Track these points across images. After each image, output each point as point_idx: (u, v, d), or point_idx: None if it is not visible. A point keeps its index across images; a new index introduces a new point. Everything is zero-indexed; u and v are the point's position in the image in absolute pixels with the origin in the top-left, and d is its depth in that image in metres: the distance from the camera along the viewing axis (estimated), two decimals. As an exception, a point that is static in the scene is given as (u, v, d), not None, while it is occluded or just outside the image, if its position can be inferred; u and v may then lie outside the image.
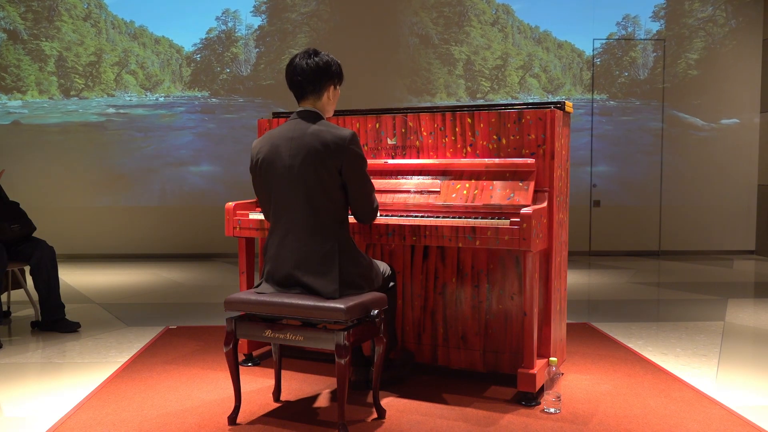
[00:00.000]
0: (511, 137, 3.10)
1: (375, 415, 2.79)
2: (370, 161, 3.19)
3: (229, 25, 8.21)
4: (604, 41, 8.24)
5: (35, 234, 4.42)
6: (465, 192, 3.08)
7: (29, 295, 4.45)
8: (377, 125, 3.39)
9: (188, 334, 4.20)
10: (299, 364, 3.52)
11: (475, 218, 2.94)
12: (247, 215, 3.36)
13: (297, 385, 3.22)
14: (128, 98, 8.04)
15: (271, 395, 3.01)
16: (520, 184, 3.01)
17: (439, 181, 3.17)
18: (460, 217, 2.98)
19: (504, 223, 2.83)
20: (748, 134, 8.16)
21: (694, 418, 2.79)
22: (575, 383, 3.24)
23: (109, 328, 4.43)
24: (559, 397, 2.85)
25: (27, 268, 4.43)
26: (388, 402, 2.95)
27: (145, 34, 8.12)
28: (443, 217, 3.00)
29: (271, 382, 3.08)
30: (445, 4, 8.29)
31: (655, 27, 8.28)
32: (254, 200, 3.52)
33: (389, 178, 3.26)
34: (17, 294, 4.79)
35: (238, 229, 3.35)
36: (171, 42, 8.17)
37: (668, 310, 5.07)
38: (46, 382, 3.31)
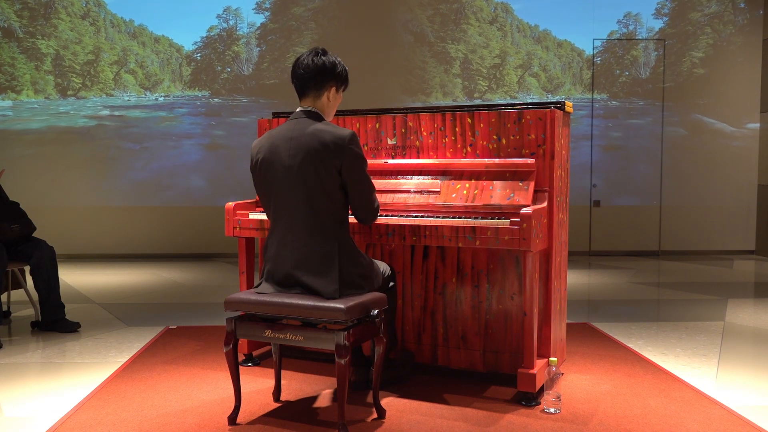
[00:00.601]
0: (511, 137, 3.10)
1: (375, 415, 2.79)
2: (370, 161, 3.19)
3: (231, 23, 8.14)
4: (604, 40, 8.21)
5: (35, 234, 4.42)
6: (465, 192, 3.08)
7: (29, 295, 4.45)
8: (377, 125, 3.39)
9: (188, 334, 4.20)
10: (299, 364, 3.52)
11: (475, 218, 2.94)
12: (247, 215, 3.36)
13: (297, 385, 3.22)
14: (127, 98, 7.99)
15: (271, 395, 3.01)
16: (520, 184, 3.01)
17: (439, 181, 3.17)
18: (460, 217, 2.98)
19: (504, 223, 2.83)
20: (748, 134, 8.16)
21: (694, 418, 2.79)
22: (575, 383, 3.24)
23: (109, 328, 4.43)
24: (559, 397, 2.85)
25: (27, 268, 4.43)
26: (388, 402, 2.95)
27: (145, 33, 8.06)
28: (443, 217, 2.99)
29: (271, 382, 3.08)
30: (442, 1, 8.21)
31: (658, 24, 8.22)
32: (254, 200, 3.52)
33: (389, 178, 3.26)
34: (17, 294, 4.79)
35: (238, 229, 3.35)
36: (171, 41, 8.11)
37: (668, 310, 5.07)
38: (46, 382, 3.31)
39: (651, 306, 5.31)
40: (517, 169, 3.04)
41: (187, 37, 8.13)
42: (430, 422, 2.74)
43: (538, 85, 8.32)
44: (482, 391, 3.11)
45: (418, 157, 3.30)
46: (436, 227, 2.91)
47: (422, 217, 3.04)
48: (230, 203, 3.40)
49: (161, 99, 8.05)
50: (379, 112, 3.41)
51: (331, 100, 2.82)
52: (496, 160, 3.09)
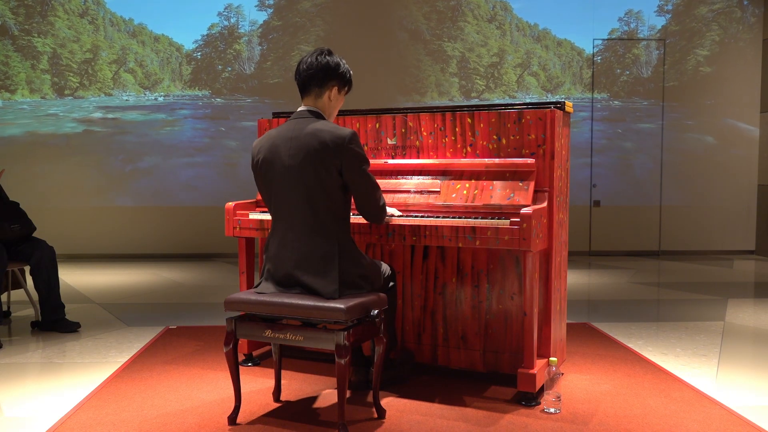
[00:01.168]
0: (511, 137, 3.10)
1: (375, 415, 2.79)
2: (370, 161, 3.19)
3: (232, 21, 8.06)
4: (605, 39, 8.19)
5: (35, 234, 4.42)
6: (465, 192, 3.08)
7: (29, 295, 4.45)
8: (377, 125, 3.39)
9: (188, 334, 4.20)
10: (299, 364, 3.52)
11: (475, 218, 2.94)
12: (247, 215, 3.36)
13: (297, 385, 3.22)
14: (125, 97, 7.94)
15: (271, 395, 3.01)
16: (520, 184, 3.01)
17: (439, 181, 3.17)
18: (460, 217, 2.98)
19: (504, 223, 2.83)
20: (748, 134, 8.16)
21: (694, 418, 2.79)
22: (575, 383, 3.24)
23: (109, 328, 4.43)
24: (559, 397, 2.85)
25: (27, 268, 4.43)
26: (388, 402, 2.95)
27: (144, 31, 8.00)
28: (443, 217, 2.99)
29: (271, 382, 3.08)
30: (438, -2, 8.09)
31: (660, 22, 8.17)
32: (254, 200, 3.52)
33: (389, 178, 3.26)
34: (17, 294, 4.79)
35: (238, 229, 3.35)
36: (170, 40, 8.05)
37: (668, 310, 5.07)
38: (46, 382, 3.31)
39: (651, 306, 5.31)
40: (517, 169, 3.04)
41: (188, 35, 8.07)
42: (430, 422, 2.74)
43: (537, 84, 8.26)
44: (482, 391, 3.11)
45: (418, 157, 3.30)
46: (436, 227, 2.91)
47: (422, 217, 3.04)
48: (230, 203, 3.40)
49: (161, 99, 8.01)
50: (379, 112, 3.41)
51: (332, 101, 2.82)
52: (496, 160, 3.09)
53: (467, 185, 3.10)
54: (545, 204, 2.97)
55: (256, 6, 8.06)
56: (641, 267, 7.24)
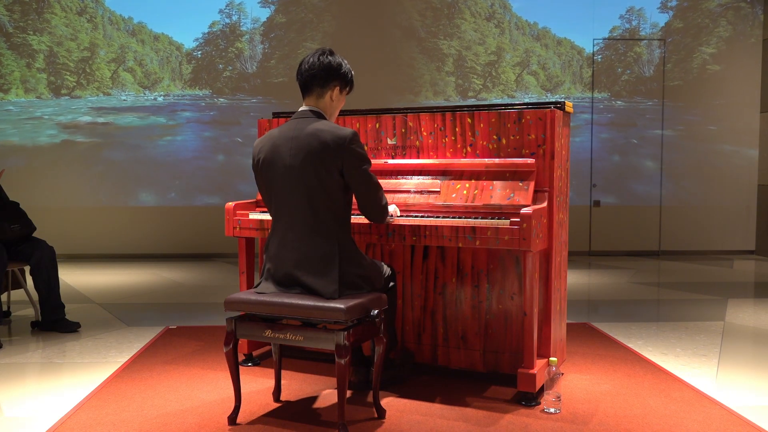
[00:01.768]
0: (511, 137, 3.10)
1: (375, 415, 2.79)
2: (371, 161, 3.19)
3: (234, 18, 7.96)
4: (606, 37, 8.16)
5: (35, 234, 4.42)
6: (465, 192, 3.08)
7: (29, 295, 4.45)
8: (377, 125, 3.39)
9: (188, 334, 4.20)
10: (299, 364, 3.52)
11: (475, 218, 2.94)
12: (247, 215, 3.36)
13: (297, 385, 3.22)
14: (124, 97, 7.88)
15: (271, 395, 3.01)
16: (520, 184, 3.01)
17: (439, 181, 3.17)
18: (460, 217, 2.98)
19: (504, 223, 2.83)
20: (748, 134, 8.16)
21: (694, 418, 2.79)
22: (575, 383, 3.24)
23: (109, 328, 4.43)
24: (559, 397, 2.85)
25: (27, 268, 4.43)
26: (388, 402, 2.95)
27: (144, 30, 7.92)
28: (443, 217, 2.99)
29: (271, 382, 3.08)
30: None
31: (663, 19, 8.10)
32: (254, 200, 3.52)
33: (389, 178, 3.26)
34: (17, 294, 4.79)
35: (238, 229, 3.35)
36: (170, 39, 7.98)
37: (668, 310, 5.07)
38: (46, 382, 3.32)
39: (651, 306, 5.31)
40: (517, 169, 3.04)
41: (188, 34, 7.98)
42: (430, 422, 2.74)
43: (536, 83, 8.19)
44: (482, 391, 3.11)
45: (418, 157, 3.30)
46: (436, 227, 2.91)
47: (422, 217, 3.04)
48: (230, 203, 3.40)
49: (160, 99, 7.96)
50: (379, 112, 3.41)
51: (334, 101, 2.83)
52: (496, 160, 3.09)
53: (467, 185, 3.10)
54: (545, 204, 2.97)
55: (259, 3, 7.96)
56: (641, 267, 7.24)
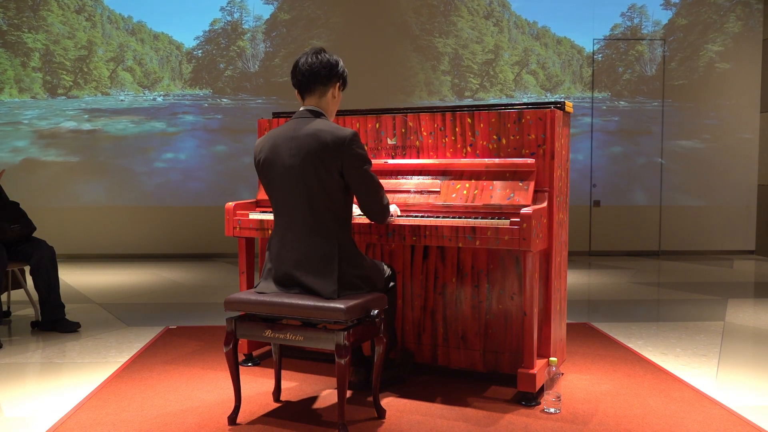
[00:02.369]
0: (511, 137, 3.10)
1: (375, 415, 2.79)
2: (371, 161, 3.19)
3: (235, 16, 7.83)
4: (607, 36, 8.12)
5: (35, 234, 4.42)
6: (465, 192, 3.08)
7: (29, 295, 4.45)
8: (377, 125, 3.39)
9: (188, 334, 4.20)
10: (299, 364, 3.52)
11: (475, 218, 2.94)
12: (247, 215, 3.36)
13: (297, 385, 3.22)
14: (122, 97, 7.81)
15: (271, 395, 3.01)
16: (520, 184, 3.01)
17: (439, 181, 3.17)
18: (460, 217, 2.98)
19: (504, 223, 2.83)
20: (748, 134, 8.16)
21: (694, 418, 2.79)
22: (575, 383, 3.24)
23: (109, 328, 4.43)
24: (559, 397, 2.85)
25: (27, 268, 4.43)
26: (388, 402, 2.95)
27: (144, 29, 7.83)
28: (443, 217, 2.99)
29: (271, 382, 3.08)
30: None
31: (667, 16, 8.04)
32: (254, 200, 3.52)
33: (389, 178, 3.26)
34: (17, 294, 4.79)
35: (238, 229, 3.35)
36: (170, 38, 7.90)
37: (668, 310, 5.07)
38: (46, 382, 3.31)
39: (651, 306, 5.31)
40: (517, 169, 3.04)
41: (188, 33, 7.88)
42: (430, 422, 2.74)
43: (536, 83, 8.11)
44: (482, 391, 3.11)
45: (418, 157, 3.30)
46: (436, 227, 2.91)
47: (422, 217, 3.04)
48: (230, 203, 3.40)
49: (160, 99, 7.91)
50: (379, 112, 3.41)
51: (335, 98, 2.84)
52: (496, 160, 3.09)
53: (467, 185, 3.10)
54: (545, 204, 2.97)
55: (262, 0, 7.86)
56: (641, 267, 7.24)
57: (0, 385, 3.24)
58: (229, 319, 2.70)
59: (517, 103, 3.18)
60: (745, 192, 8.19)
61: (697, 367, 3.55)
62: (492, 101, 7.96)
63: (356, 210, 2.95)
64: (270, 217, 3.20)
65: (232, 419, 2.72)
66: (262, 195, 3.45)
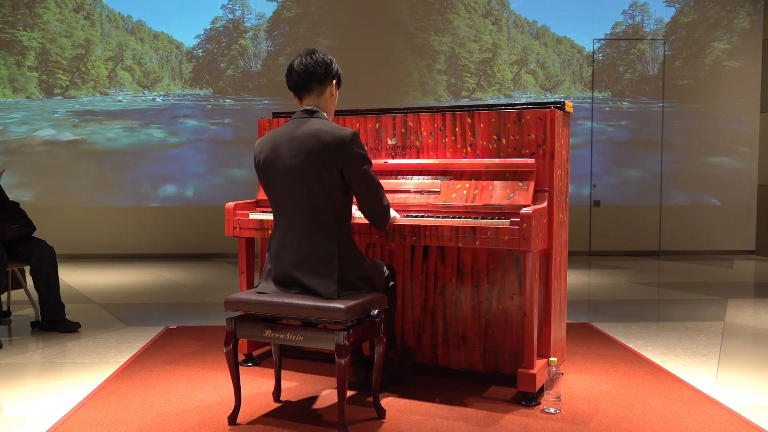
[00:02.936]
0: (511, 137, 3.10)
1: (375, 415, 2.79)
2: (372, 161, 3.19)
3: (237, 14, 7.73)
4: (608, 33, 8.09)
5: (35, 234, 4.42)
6: (465, 192, 3.08)
7: (29, 295, 4.45)
8: (377, 125, 3.39)
9: (188, 334, 4.20)
10: (299, 364, 3.52)
11: (475, 218, 2.94)
12: (247, 215, 3.36)
13: (297, 385, 3.22)
14: (120, 98, 7.75)
15: (271, 395, 3.01)
16: (520, 184, 3.01)
17: (439, 181, 3.17)
18: (460, 217, 2.98)
19: (504, 223, 2.83)
20: (748, 134, 8.16)
21: (694, 418, 2.79)
22: (575, 383, 3.24)
23: (109, 328, 4.43)
24: (559, 397, 2.85)
25: (27, 268, 4.43)
26: (388, 402, 2.95)
27: (143, 29, 7.75)
28: (443, 217, 2.99)
29: (271, 382, 3.08)
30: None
31: (670, 13, 7.98)
32: (254, 200, 3.52)
33: (389, 178, 3.26)
34: (17, 294, 4.79)
35: (238, 229, 3.35)
36: (170, 37, 7.83)
37: (668, 310, 5.07)
38: (46, 382, 3.31)
39: (651, 306, 5.31)
40: (517, 169, 3.04)
41: (189, 32, 7.79)
42: (430, 422, 2.74)
43: (535, 82, 8.04)
44: (482, 391, 3.11)
45: (418, 157, 3.30)
46: (436, 227, 2.91)
47: (422, 217, 3.04)
48: (230, 203, 3.40)
49: (159, 99, 7.88)
50: (379, 112, 3.41)
51: (333, 96, 2.85)
52: (496, 160, 3.09)
53: (467, 185, 3.10)
54: (545, 204, 2.97)
55: None
56: (641, 267, 7.24)
57: (0, 385, 3.24)
58: (229, 319, 2.70)
59: (517, 103, 3.18)
60: (745, 192, 8.19)
61: (697, 367, 3.55)
62: (490, 101, 7.93)
63: (357, 210, 2.95)
64: (270, 217, 3.20)
65: (232, 419, 2.72)
66: (262, 195, 3.45)
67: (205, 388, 3.18)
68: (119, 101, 7.76)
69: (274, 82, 7.92)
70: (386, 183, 3.22)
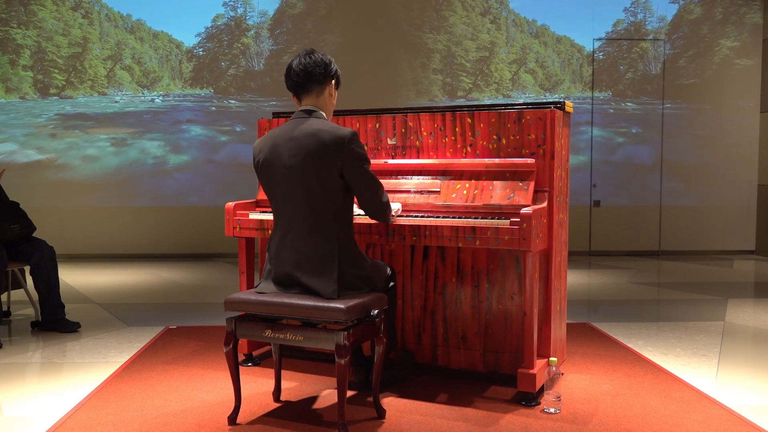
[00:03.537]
0: (511, 137, 3.10)
1: (375, 415, 2.79)
2: (371, 161, 3.19)
3: (239, 12, 7.61)
4: (606, 35, 8.09)
5: (35, 234, 4.42)
6: (465, 192, 3.08)
7: (29, 295, 4.45)
8: (377, 125, 3.39)
9: (188, 334, 4.20)
10: (299, 364, 3.52)
11: (475, 218, 2.94)
12: (247, 215, 3.36)
13: (297, 385, 3.22)
14: (119, 97, 7.71)
15: (271, 395, 3.01)
16: (520, 184, 3.01)
17: (439, 181, 3.17)
18: (460, 217, 2.98)
19: (504, 223, 2.83)
20: (748, 134, 8.16)
21: (694, 418, 2.79)
22: (575, 383, 3.24)
23: (109, 328, 4.43)
24: (559, 397, 2.85)
25: (27, 268, 4.43)
26: (388, 402, 2.95)
27: (143, 28, 7.67)
28: (443, 217, 2.99)
29: (271, 382, 3.08)
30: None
31: (672, 10, 7.95)
32: (254, 200, 3.52)
33: (389, 178, 3.26)
34: (17, 294, 4.79)
35: (238, 229, 3.35)
36: (170, 37, 7.76)
37: (668, 310, 5.07)
38: (46, 382, 3.31)
39: (651, 306, 5.31)
40: (517, 169, 3.04)
41: (189, 31, 7.72)
42: (430, 422, 2.74)
43: (534, 82, 7.98)
44: (482, 391, 3.11)
45: (418, 157, 3.30)
46: (436, 227, 2.91)
47: (422, 217, 3.04)
48: (230, 203, 3.40)
49: (159, 100, 7.84)
50: (379, 112, 3.41)
51: (332, 96, 2.86)
52: (496, 160, 3.09)
53: (467, 185, 3.10)
54: (545, 204, 2.97)
55: None
56: (641, 267, 7.24)
57: (0, 385, 3.24)
58: (229, 319, 2.70)
59: (517, 103, 3.18)
60: (745, 192, 8.19)
61: (697, 367, 3.55)
62: (487, 101, 7.91)
63: (357, 210, 2.95)
64: (270, 217, 3.20)
65: (232, 419, 2.72)
66: (262, 195, 3.45)
67: (205, 388, 3.18)
68: (116, 102, 7.65)
69: (278, 82, 7.84)
70: (386, 183, 3.22)
